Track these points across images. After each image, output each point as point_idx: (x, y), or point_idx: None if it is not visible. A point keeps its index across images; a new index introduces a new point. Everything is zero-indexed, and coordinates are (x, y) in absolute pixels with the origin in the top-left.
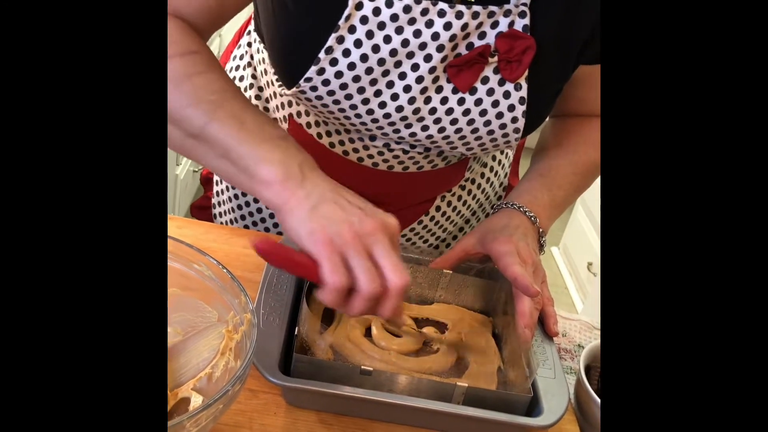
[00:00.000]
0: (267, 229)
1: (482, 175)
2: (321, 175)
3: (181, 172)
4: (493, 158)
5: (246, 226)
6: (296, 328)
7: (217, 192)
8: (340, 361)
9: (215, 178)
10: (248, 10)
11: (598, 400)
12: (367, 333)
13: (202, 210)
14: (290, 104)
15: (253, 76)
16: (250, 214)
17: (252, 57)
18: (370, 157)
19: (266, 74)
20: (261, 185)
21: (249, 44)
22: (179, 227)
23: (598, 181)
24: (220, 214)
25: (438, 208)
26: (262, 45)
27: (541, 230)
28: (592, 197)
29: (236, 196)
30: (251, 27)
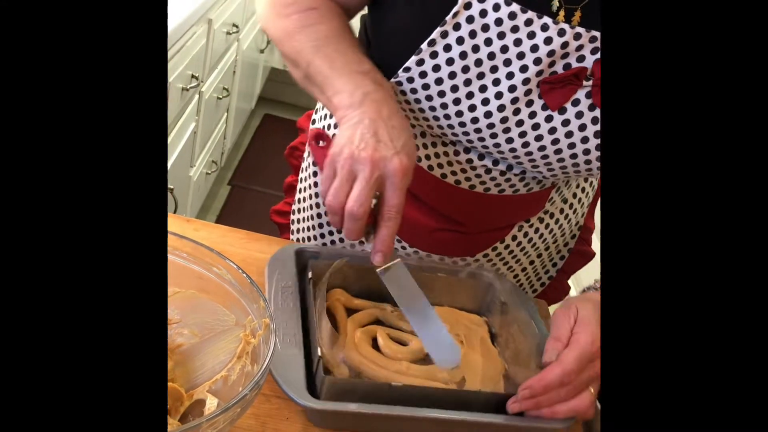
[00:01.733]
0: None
1: (561, 211)
2: (378, 107)
3: (194, 174)
4: (574, 195)
5: (324, 244)
6: (318, 349)
7: (298, 210)
8: (368, 380)
9: (298, 185)
10: None
11: None
12: (373, 342)
13: (281, 215)
14: None
15: None
16: (330, 233)
17: None
18: (453, 173)
19: None
20: (334, 110)
21: None
22: (196, 230)
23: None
24: (299, 230)
25: (514, 238)
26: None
27: None
28: (598, 213)
29: (319, 215)
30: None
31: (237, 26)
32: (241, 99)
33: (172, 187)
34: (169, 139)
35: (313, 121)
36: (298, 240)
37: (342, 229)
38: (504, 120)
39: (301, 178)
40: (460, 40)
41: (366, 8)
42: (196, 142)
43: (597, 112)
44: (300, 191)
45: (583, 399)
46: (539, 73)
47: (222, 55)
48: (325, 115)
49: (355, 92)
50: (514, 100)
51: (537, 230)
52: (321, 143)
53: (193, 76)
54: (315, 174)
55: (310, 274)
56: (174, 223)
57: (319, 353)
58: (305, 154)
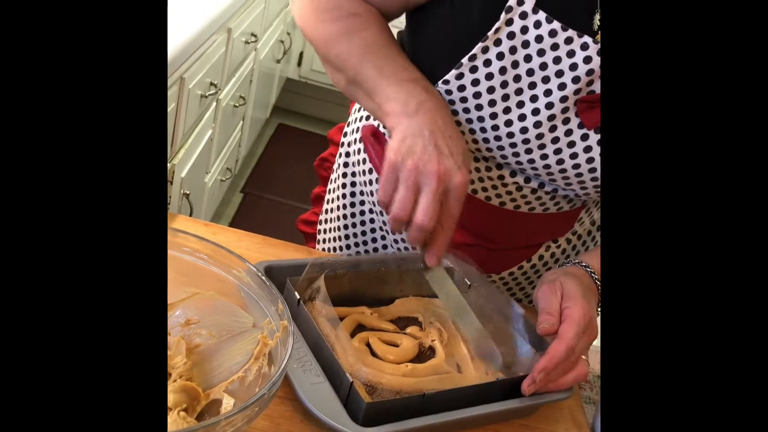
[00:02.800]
0: (370, 250)
1: (589, 233)
2: (434, 116)
3: (209, 180)
4: None
5: (350, 255)
6: (346, 375)
7: (325, 220)
8: (407, 395)
9: (327, 196)
10: None
11: None
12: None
13: (308, 224)
14: None
15: None
16: (356, 244)
17: None
18: (484, 189)
19: None
20: (386, 116)
21: None
22: (214, 233)
23: None
24: (325, 240)
25: (540, 257)
26: None
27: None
28: None
29: (346, 226)
30: None
31: (255, 36)
32: (257, 108)
33: (188, 192)
34: (187, 145)
35: (345, 134)
36: (324, 250)
37: (403, 233)
38: (540, 136)
39: (330, 189)
40: (500, 56)
41: (405, 19)
42: (212, 148)
43: None
44: (328, 202)
45: (582, 367)
46: (577, 92)
47: (240, 63)
48: (357, 128)
49: (409, 101)
50: (551, 117)
51: (564, 251)
52: (376, 141)
53: (211, 84)
54: (344, 186)
55: (297, 295)
56: (192, 227)
57: (350, 379)
58: (335, 167)
